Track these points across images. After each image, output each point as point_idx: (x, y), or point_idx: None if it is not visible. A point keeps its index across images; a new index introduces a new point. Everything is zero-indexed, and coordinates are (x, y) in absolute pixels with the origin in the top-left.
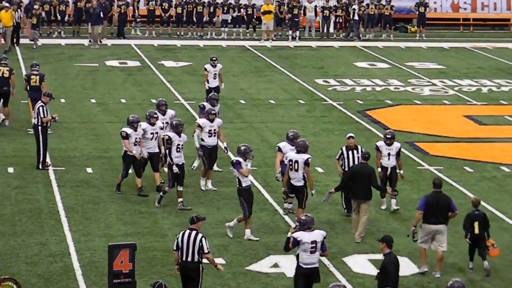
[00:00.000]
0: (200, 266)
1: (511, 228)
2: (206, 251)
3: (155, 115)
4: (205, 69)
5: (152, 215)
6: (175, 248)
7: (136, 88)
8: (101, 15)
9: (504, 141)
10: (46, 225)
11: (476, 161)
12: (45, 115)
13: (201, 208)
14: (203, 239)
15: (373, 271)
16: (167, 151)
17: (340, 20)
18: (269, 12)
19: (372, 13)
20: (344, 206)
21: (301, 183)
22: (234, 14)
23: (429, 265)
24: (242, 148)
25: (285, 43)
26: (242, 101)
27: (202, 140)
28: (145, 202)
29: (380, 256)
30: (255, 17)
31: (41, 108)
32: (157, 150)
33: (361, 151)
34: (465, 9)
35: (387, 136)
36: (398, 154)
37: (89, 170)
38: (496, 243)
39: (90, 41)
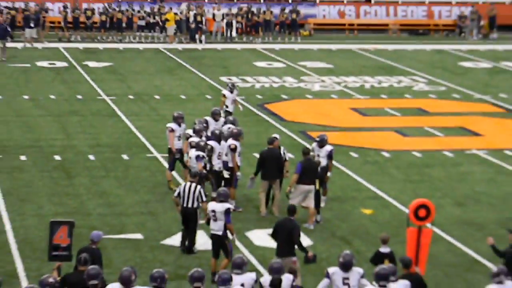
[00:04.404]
0: (197, 211)
1: (391, 205)
2: (204, 199)
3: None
4: (224, 95)
5: (78, 197)
6: (176, 195)
7: (63, 85)
8: (8, 29)
9: (384, 130)
10: None
11: (360, 147)
12: None
13: (120, 190)
14: (201, 189)
15: (273, 244)
16: (207, 158)
17: (241, 26)
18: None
19: (269, 18)
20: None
21: (231, 165)
22: (150, 21)
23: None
24: (235, 131)
25: (193, 45)
26: (156, 96)
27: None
28: (72, 185)
29: None
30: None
31: None
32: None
33: (283, 152)
34: (350, 15)
35: (317, 139)
36: (329, 156)
37: (22, 157)
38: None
39: (24, 45)
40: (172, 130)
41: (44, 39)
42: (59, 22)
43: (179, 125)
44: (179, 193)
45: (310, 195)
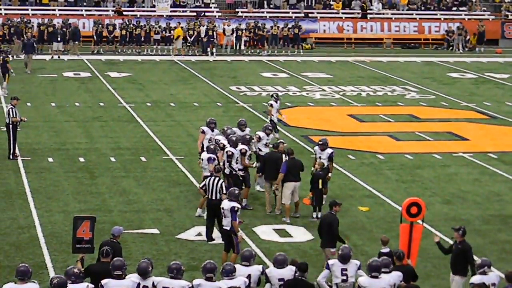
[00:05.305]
0: (220, 202)
1: (385, 203)
2: (224, 191)
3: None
4: (271, 105)
5: (101, 195)
6: (201, 186)
7: (87, 94)
8: (34, 44)
9: (379, 134)
10: (16, 203)
11: (357, 150)
12: (14, 116)
13: (139, 189)
14: (223, 183)
15: (277, 238)
16: (227, 163)
17: (249, 40)
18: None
19: (275, 33)
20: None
21: (241, 167)
22: (166, 35)
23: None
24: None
25: (205, 58)
26: (172, 104)
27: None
28: (95, 185)
29: (282, 226)
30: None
31: (10, 110)
32: None
33: (288, 152)
34: (348, 30)
35: (319, 142)
36: (329, 158)
37: (50, 159)
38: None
39: (52, 57)
40: (203, 132)
41: (73, 52)
42: (82, 37)
43: (212, 130)
44: (204, 185)
45: (296, 190)
